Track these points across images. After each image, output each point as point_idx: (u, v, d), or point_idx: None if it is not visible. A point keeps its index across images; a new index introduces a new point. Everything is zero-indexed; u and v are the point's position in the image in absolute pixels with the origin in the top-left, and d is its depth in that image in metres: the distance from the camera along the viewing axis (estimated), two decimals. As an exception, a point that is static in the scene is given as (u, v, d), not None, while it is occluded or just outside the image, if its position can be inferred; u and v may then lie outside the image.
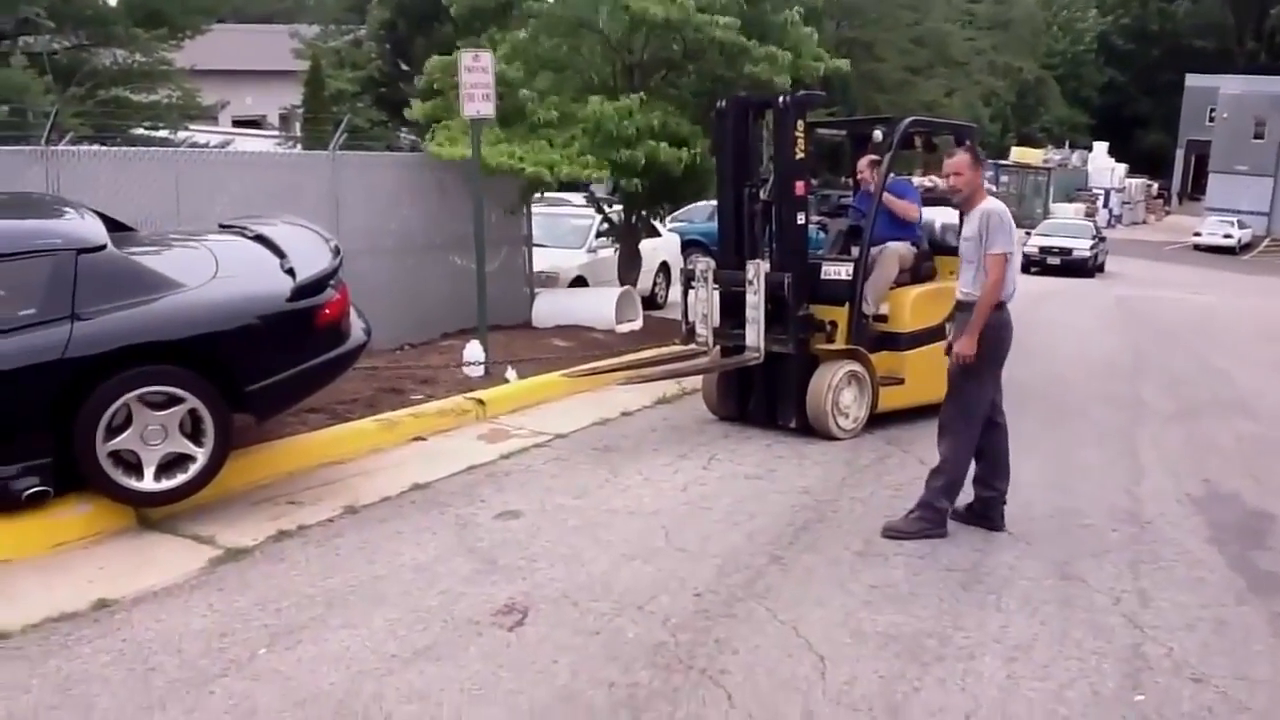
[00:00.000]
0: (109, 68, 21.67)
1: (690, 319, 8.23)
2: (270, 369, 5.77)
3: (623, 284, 12.32)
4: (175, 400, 5.43)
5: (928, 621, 4.66)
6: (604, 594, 4.88)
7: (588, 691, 3.97)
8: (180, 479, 5.51)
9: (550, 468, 6.96)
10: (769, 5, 11.08)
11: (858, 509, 6.23)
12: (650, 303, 14.18)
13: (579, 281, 13.09)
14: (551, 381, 8.98)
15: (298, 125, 28.10)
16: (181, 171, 9.06)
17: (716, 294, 8.06)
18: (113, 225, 6.05)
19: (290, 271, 5.95)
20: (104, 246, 5.56)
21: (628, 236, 12.57)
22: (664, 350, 9.42)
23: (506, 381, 8.80)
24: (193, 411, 5.49)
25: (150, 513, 5.61)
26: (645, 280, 13.99)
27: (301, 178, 9.99)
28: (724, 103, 8.23)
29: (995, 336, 5.66)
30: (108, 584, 4.84)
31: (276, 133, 29.26)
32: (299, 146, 22.54)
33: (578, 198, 15.14)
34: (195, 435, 5.53)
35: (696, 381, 8.83)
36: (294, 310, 5.84)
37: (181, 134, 20.73)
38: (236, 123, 29.34)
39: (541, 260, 12.49)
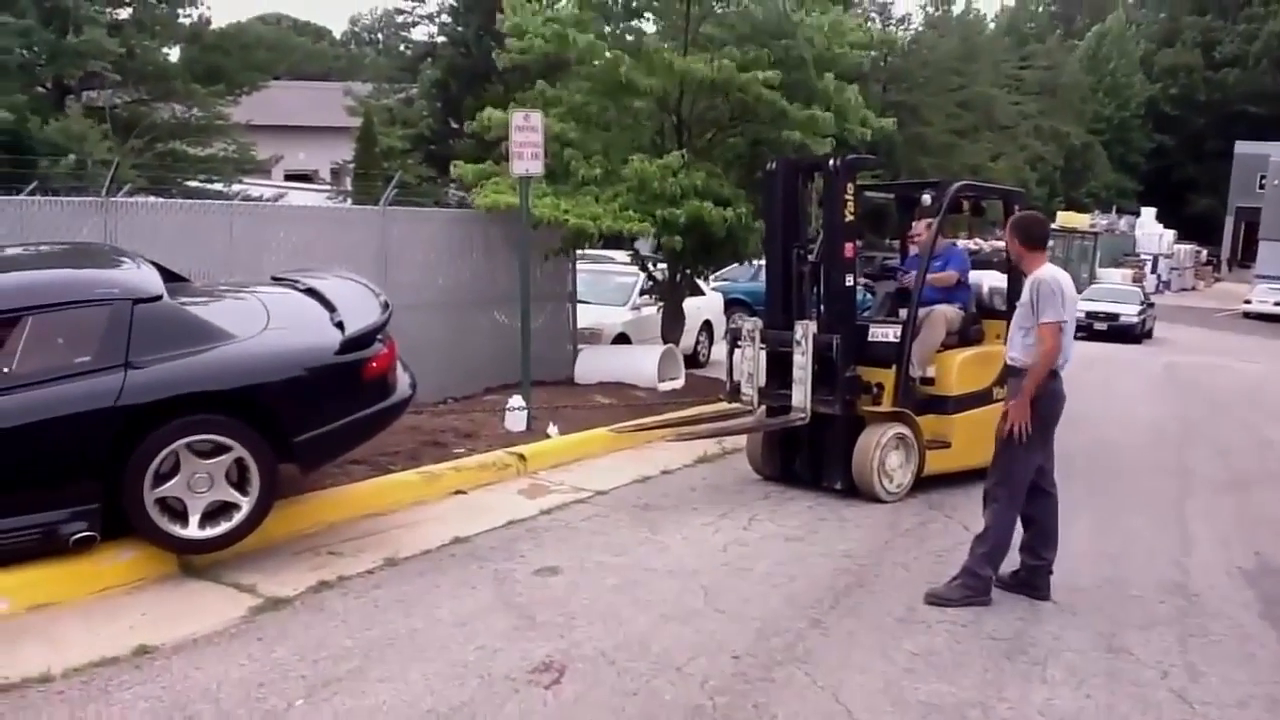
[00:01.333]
0: (167, 121, 22.30)
1: (735, 378, 8.23)
2: (318, 420, 5.82)
3: (666, 342, 12.35)
4: (223, 449, 5.49)
5: (970, 691, 4.57)
6: (642, 654, 4.84)
7: (624, 753, 3.93)
8: (225, 527, 5.55)
9: (590, 524, 6.94)
10: (813, 70, 11.17)
11: (900, 574, 6.16)
12: (692, 361, 14.20)
13: (622, 338, 13.13)
14: (593, 438, 8.99)
15: (348, 180, 28.63)
16: (235, 224, 9.24)
17: (762, 353, 8.07)
18: (168, 276, 6.17)
19: (340, 325, 6.03)
20: (160, 297, 5.68)
21: (671, 295, 12.63)
22: (709, 408, 9.42)
23: (548, 437, 8.82)
24: (239, 461, 5.54)
25: (193, 560, 5.66)
26: (688, 338, 14.01)
27: (352, 232, 10.15)
28: (774, 164, 8.30)
29: (1047, 405, 5.61)
30: (149, 630, 4.88)
31: (328, 187, 29.82)
32: (349, 201, 22.94)
33: (622, 255, 15.26)
34: (241, 484, 5.58)
35: (738, 441, 8.81)
36: (342, 363, 5.91)
37: (236, 187, 21.23)
38: (289, 176, 30.01)
39: (585, 317, 12.55)
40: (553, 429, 8.99)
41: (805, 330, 7.62)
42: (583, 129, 11.12)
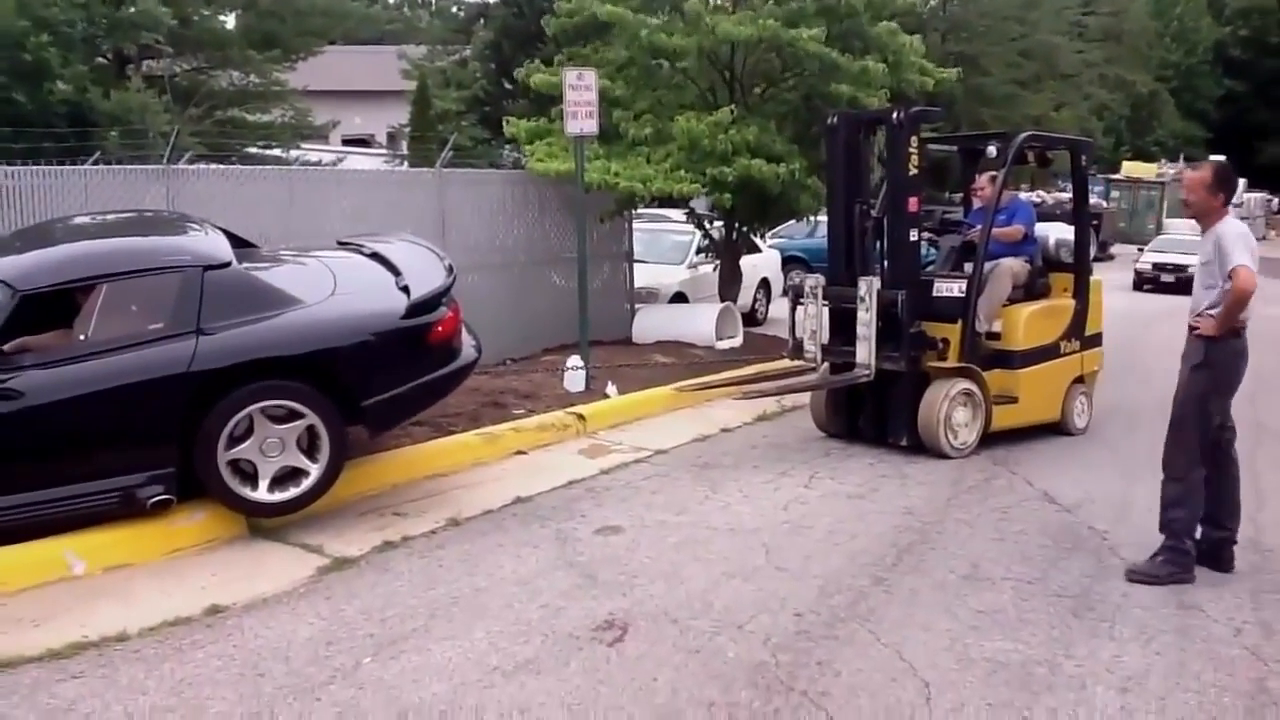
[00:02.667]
0: (226, 89, 22.48)
1: (798, 335, 8.17)
2: (385, 384, 5.87)
3: (723, 300, 12.29)
4: (294, 415, 5.58)
5: (1037, 649, 4.52)
6: (704, 612, 4.85)
7: (687, 710, 3.94)
8: (296, 491, 5.65)
9: (650, 483, 6.95)
10: (866, 16, 10.93)
11: (963, 531, 6.09)
12: (750, 319, 14.12)
13: (679, 298, 13.10)
14: (652, 397, 9.00)
15: (404, 143, 28.72)
16: (294, 189, 9.32)
17: (825, 310, 8.00)
18: (236, 242, 6.24)
19: (405, 289, 6.06)
20: (229, 264, 5.76)
21: (728, 253, 12.54)
22: (771, 366, 9.41)
23: (607, 397, 8.83)
24: (309, 426, 5.63)
25: (261, 521, 5.76)
26: (745, 296, 13.93)
27: (408, 195, 10.20)
28: (835, 118, 8.19)
29: (1230, 363, 5.34)
30: (220, 590, 4.98)
31: (384, 151, 29.96)
32: (405, 164, 23.03)
33: (678, 214, 15.18)
34: (311, 449, 5.67)
35: (798, 399, 8.77)
36: (409, 327, 5.95)
37: (294, 152, 21.39)
38: (346, 141, 30.16)
39: (642, 276, 12.53)
40: (611, 389, 9.00)
41: (869, 286, 7.54)
42: (631, 88, 11.02)
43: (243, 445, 5.50)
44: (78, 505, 5.27)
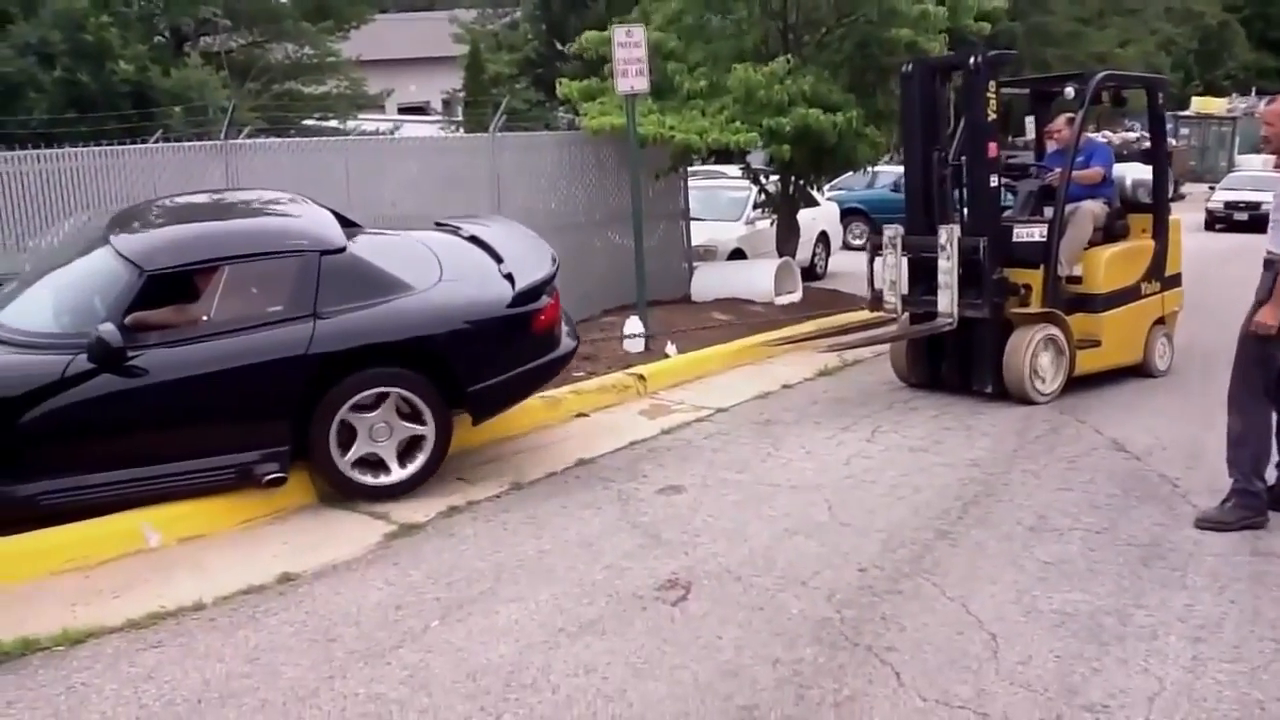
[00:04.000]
0: (281, 62, 22.66)
1: (877, 286, 8.11)
2: (490, 371, 5.97)
3: (781, 255, 12.19)
4: (400, 398, 5.70)
5: (1106, 599, 4.46)
6: (767, 569, 4.85)
7: (752, 667, 3.96)
8: (398, 476, 5.80)
9: (711, 442, 6.96)
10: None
11: (1030, 482, 6.02)
12: (809, 273, 14.00)
13: (737, 254, 13.01)
14: (711, 355, 8.98)
15: (459, 109, 28.78)
16: (350, 159, 9.39)
17: (904, 260, 7.94)
18: (343, 221, 6.32)
19: (509, 276, 6.13)
20: (345, 249, 5.87)
21: (785, 207, 12.42)
22: (849, 318, 9.45)
23: (667, 356, 8.83)
24: (415, 410, 5.75)
25: (330, 490, 5.85)
26: (804, 251, 13.80)
27: (464, 160, 10.22)
28: (909, 65, 8.11)
29: None
30: (291, 558, 5.09)
31: (439, 117, 30.05)
32: (461, 130, 23.09)
33: (734, 170, 15.06)
34: (415, 437, 5.81)
35: (859, 352, 8.71)
36: (514, 315, 6.02)
37: (351, 123, 21.53)
38: (402, 110, 30.29)
39: (699, 234, 12.45)
40: (671, 348, 8.99)
41: (950, 234, 7.46)
42: (684, 40, 10.91)
43: (352, 432, 5.65)
44: (196, 480, 5.46)
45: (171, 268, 5.59)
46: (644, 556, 5.04)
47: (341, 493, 5.75)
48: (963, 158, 7.81)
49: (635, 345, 9.01)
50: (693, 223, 12.36)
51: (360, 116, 22.54)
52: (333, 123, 21.72)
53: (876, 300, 8.14)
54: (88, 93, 18.07)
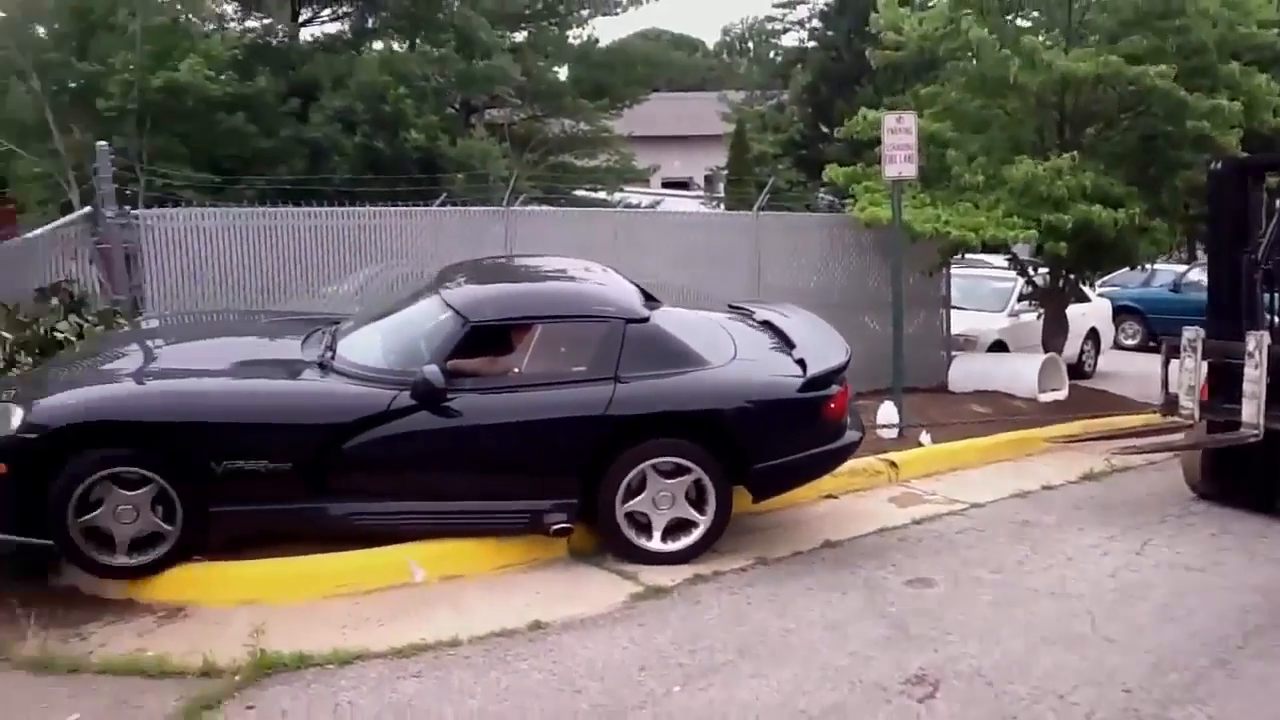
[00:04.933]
0: (558, 136, 23.85)
1: (1172, 391, 7.68)
2: (776, 452, 6.05)
3: (1046, 350, 11.70)
4: (684, 469, 5.86)
5: None
6: (1020, 677, 4.62)
7: (1004, 778, 3.77)
8: (682, 543, 5.92)
9: (965, 538, 6.71)
10: (1215, 54, 10.14)
11: (1325, 616, 5.48)
12: (1077, 371, 13.35)
13: (998, 346, 12.57)
14: (968, 447, 8.70)
15: (721, 186, 29.38)
16: (618, 230, 9.76)
17: (1204, 365, 7.48)
18: (644, 295, 6.59)
19: (801, 362, 6.23)
20: (648, 319, 6.15)
21: (1054, 301, 11.94)
22: (1135, 421, 9.05)
23: (920, 445, 8.61)
24: (698, 482, 5.89)
25: (583, 546, 6.00)
26: (1071, 347, 13.18)
27: (726, 237, 10.42)
28: (1219, 164, 7.73)
29: None
30: (542, 608, 5.24)
31: (701, 193, 30.77)
32: (722, 206, 23.55)
33: (998, 259, 14.63)
34: (699, 504, 5.93)
35: (1128, 458, 8.23)
36: (805, 399, 6.10)
37: (617, 195, 22.38)
38: (665, 184, 31.22)
39: (959, 323, 12.13)
40: (925, 437, 8.77)
41: (1259, 341, 6.95)
42: (959, 129, 10.75)
43: (639, 497, 5.84)
44: (491, 521, 5.80)
45: (493, 320, 6.00)
46: (890, 647, 4.90)
47: (617, 552, 5.89)
48: (1275, 260, 7.30)
49: (889, 432, 8.83)
50: (953, 311, 12.06)
51: (626, 189, 23.39)
52: (601, 194, 22.65)
53: (1170, 405, 7.65)
54: (382, 157, 19.63)
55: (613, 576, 5.71)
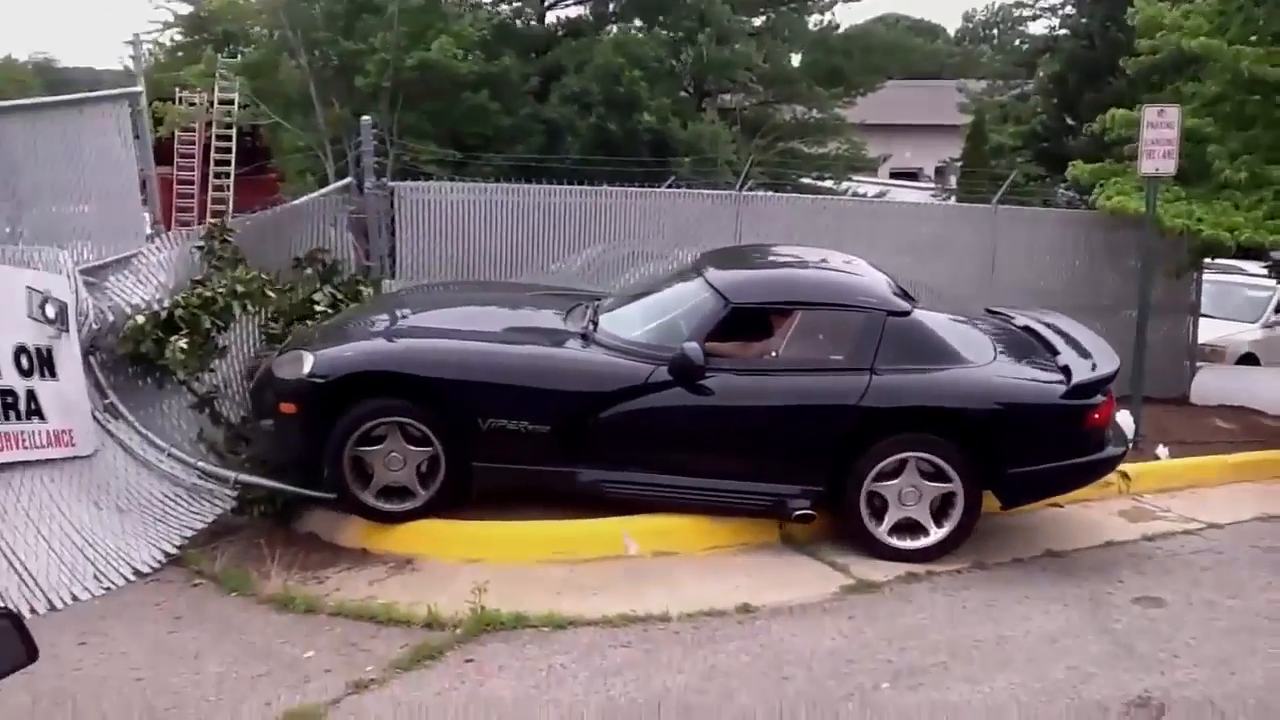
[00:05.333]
0: (789, 122, 23.73)
1: None
2: (1032, 458, 5.91)
3: (1307, 366, 10.87)
4: (935, 466, 5.78)
5: None
6: (1257, 710, 4.36)
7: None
8: (925, 542, 5.85)
9: (1200, 559, 6.33)
10: None
11: None
12: (1338, 391, 12.33)
13: (1248, 359, 11.75)
14: (1209, 464, 8.18)
15: (953, 178, 28.53)
16: (846, 218, 9.68)
17: None
18: (899, 292, 6.53)
19: (1065, 369, 6.08)
20: (909, 313, 6.13)
21: (1316, 313, 11.06)
22: None
23: (1156, 458, 8.16)
24: (947, 480, 5.80)
25: (795, 534, 6.01)
26: (1334, 365, 12.19)
27: (960, 229, 10.16)
28: None
29: None
30: (751, 591, 5.28)
31: (931, 185, 29.96)
32: (952, 199, 22.89)
33: (1256, 266, 13.65)
34: (945, 503, 5.85)
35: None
36: (1068, 406, 5.93)
37: (844, 184, 22.11)
38: (894, 174, 30.58)
39: (1207, 331, 11.38)
40: (1162, 450, 8.30)
41: None
42: (1221, 125, 10.05)
43: (885, 489, 5.81)
44: (734, 500, 5.89)
45: (754, 303, 6.13)
46: (1113, 666, 4.70)
47: (857, 543, 5.86)
48: None
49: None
50: (1201, 319, 11.32)
51: (853, 178, 23.06)
52: (828, 182, 22.41)
53: None
54: (614, 138, 20.06)
55: (824, 567, 5.70)
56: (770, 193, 11.58)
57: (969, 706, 4.22)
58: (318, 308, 6.86)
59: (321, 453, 5.61)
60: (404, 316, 6.54)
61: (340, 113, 18.65)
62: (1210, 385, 10.62)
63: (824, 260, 6.92)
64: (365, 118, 8.50)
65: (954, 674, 4.51)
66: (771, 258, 7.09)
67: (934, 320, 6.30)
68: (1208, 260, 11.10)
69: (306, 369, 5.63)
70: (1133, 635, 5.06)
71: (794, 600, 5.22)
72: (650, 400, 5.75)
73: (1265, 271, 12.33)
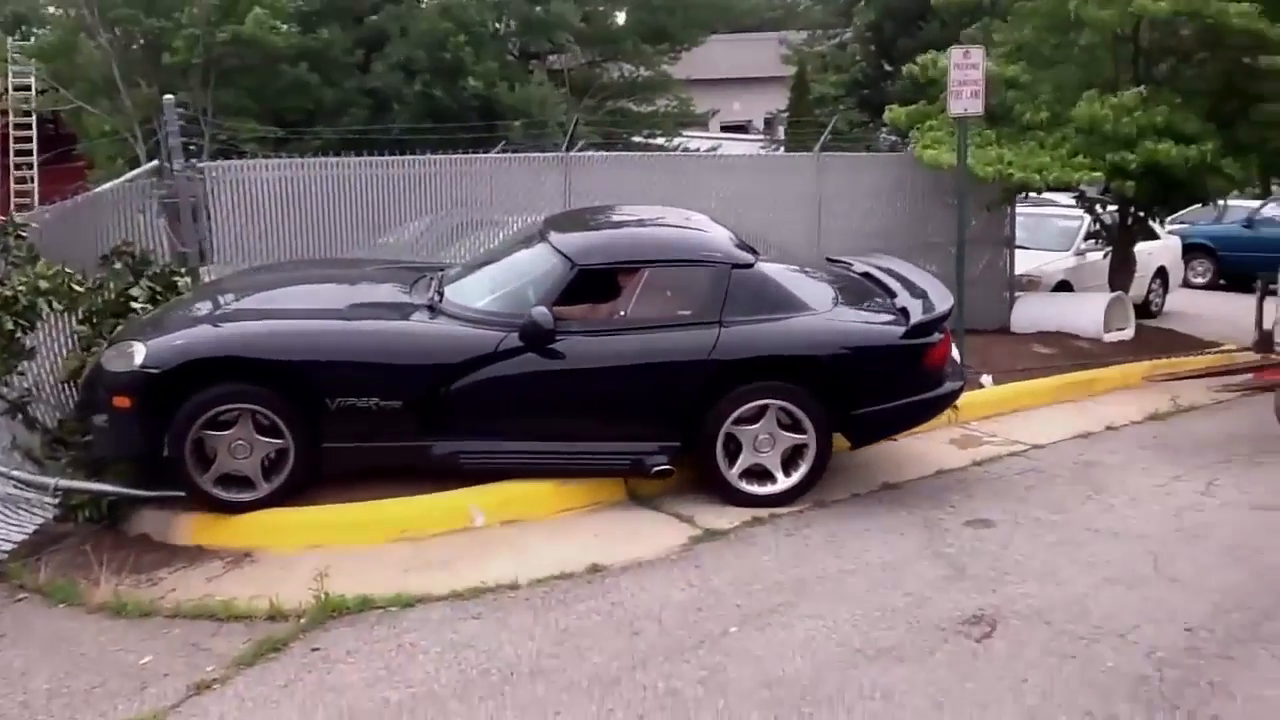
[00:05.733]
0: (616, 81, 23.68)
1: (1266, 327, 7.59)
2: (876, 398, 6.07)
3: (1113, 290, 11.48)
4: (786, 412, 5.89)
5: None
6: (1080, 617, 4.61)
7: (1059, 716, 3.79)
8: (781, 485, 5.97)
9: (1025, 479, 6.67)
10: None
11: (1398, 556, 5.38)
12: (1143, 311, 13.09)
13: (1063, 286, 12.32)
14: (1030, 389, 8.61)
15: (781, 129, 29.01)
16: (675, 174, 9.72)
17: None
18: (740, 245, 6.58)
19: (903, 310, 6.24)
20: (753, 265, 6.18)
21: (1121, 240, 11.68)
22: (1208, 360, 9.13)
23: (981, 387, 8.53)
24: (799, 425, 5.92)
25: (639, 489, 6.07)
26: (1138, 286, 12.90)
27: (785, 180, 10.34)
28: None
29: None
30: (600, 550, 5.31)
31: (761, 137, 30.42)
32: (781, 149, 23.28)
33: (1065, 198, 14.31)
34: (798, 448, 5.97)
35: (1194, 398, 8.14)
36: (907, 346, 6.09)
37: (676, 140, 22.22)
38: (724, 128, 30.89)
39: (1024, 263, 11.90)
40: (986, 379, 8.68)
41: None
42: (1030, 69, 10.46)
43: (739, 438, 5.88)
44: (593, 462, 5.90)
45: (600, 265, 6.11)
46: (948, 588, 4.91)
47: (720, 491, 5.93)
48: None
49: (948, 373, 8.74)
50: (1018, 251, 11.84)
51: (684, 134, 23.19)
52: (659, 140, 22.50)
53: (1265, 342, 7.60)
54: (442, 106, 19.68)
55: (671, 520, 5.77)
56: (599, 152, 11.56)
57: (814, 641, 4.35)
58: (135, 304, 6.52)
59: (160, 447, 5.40)
60: (240, 299, 6.28)
61: (149, 93, 17.72)
62: (1028, 314, 11.14)
63: (665, 218, 6.97)
64: (168, 96, 8.10)
65: (799, 611, 4.64)
66: (615, 218, 7.11)
67: (777, 270, 6.43)
68: (1021, 195, 11.59)
69: (139, 360, 5.39)
70: (965, 557, 5.29)
71: (643, 555, 5.27)
72: (502, 368, 5.72)
73: (1073, 202, 12.90)
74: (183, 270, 7.22)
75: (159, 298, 6.61)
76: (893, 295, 6.49)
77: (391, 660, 4.23)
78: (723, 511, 5.82)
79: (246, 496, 5.53)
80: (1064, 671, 4.10)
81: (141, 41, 18.65)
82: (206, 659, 4.31)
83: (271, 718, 3.87)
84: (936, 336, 6.19)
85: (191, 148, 10.31)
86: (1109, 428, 7.95)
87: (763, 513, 5.84)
